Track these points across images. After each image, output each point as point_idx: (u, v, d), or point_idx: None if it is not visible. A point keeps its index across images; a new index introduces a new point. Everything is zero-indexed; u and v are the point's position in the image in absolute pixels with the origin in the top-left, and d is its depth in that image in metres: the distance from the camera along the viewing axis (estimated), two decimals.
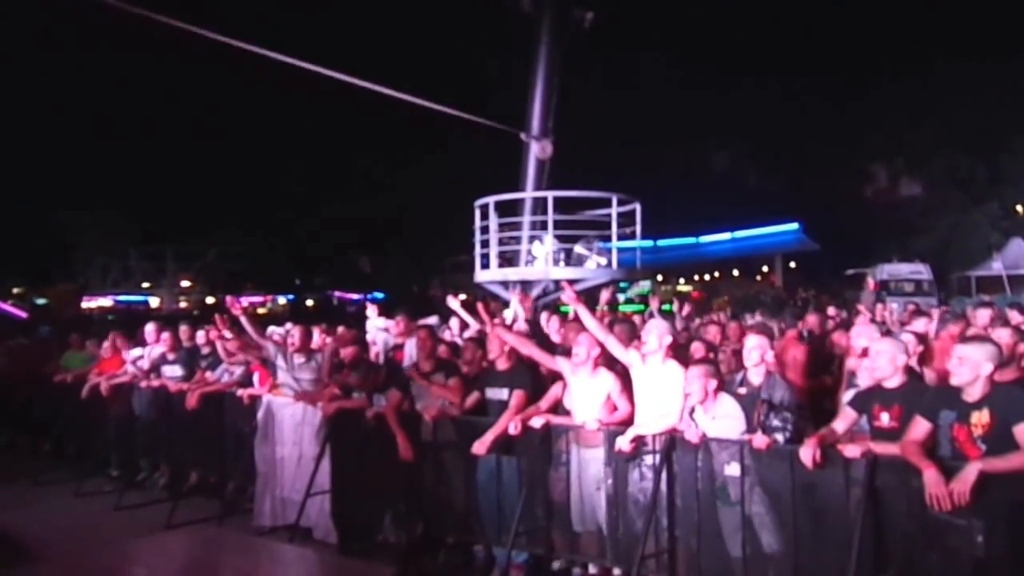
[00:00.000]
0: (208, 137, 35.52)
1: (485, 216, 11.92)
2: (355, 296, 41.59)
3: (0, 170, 27.45)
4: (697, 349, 6.54)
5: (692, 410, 5.04)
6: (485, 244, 12.00)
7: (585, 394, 5.53)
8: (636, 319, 9.41)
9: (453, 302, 9.00)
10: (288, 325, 8.96)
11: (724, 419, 4.94)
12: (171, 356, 8.64)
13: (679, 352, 5.74)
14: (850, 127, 40.92)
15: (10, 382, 10.91)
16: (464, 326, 9.01)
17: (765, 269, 48.07)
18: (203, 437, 7.86)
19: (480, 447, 5.59)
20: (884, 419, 4.53)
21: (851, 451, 4.36)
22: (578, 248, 11.58)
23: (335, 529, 6.56)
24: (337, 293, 41.05)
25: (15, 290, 29.92)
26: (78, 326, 13.29)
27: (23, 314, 22.29)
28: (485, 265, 12.09)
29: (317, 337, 8.14)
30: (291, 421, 6.91)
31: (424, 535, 6.28)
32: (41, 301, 29.38)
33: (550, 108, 12.51)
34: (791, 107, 42.35)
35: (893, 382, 4.56)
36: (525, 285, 11.55)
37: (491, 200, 11.86)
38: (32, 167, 28.61)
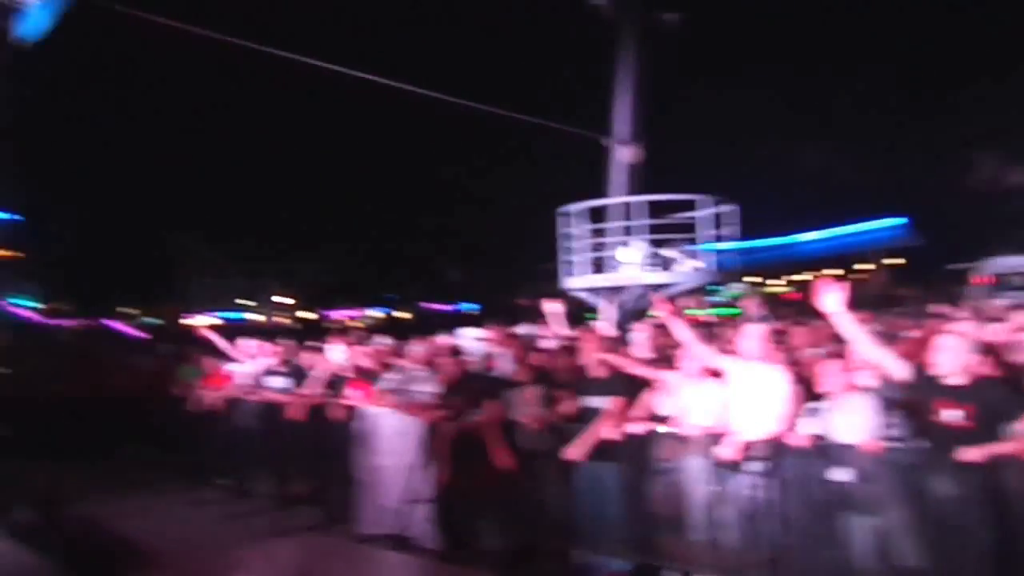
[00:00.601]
0: (301, 155, 36.69)
1: (573, 223, 11.89)
2: (445, 307, 42.13)
3: (107, 195, 29.00)
4: None
5: (817, 408, 4.87)
6: (574, 251, 11.96)
7: (696, 404, 5.44)
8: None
9: (551, 307, 8.96)
10: (382, 338, 9.16)
11: (855, 415, 4.74)
12: (279, 369, 8.94)
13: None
14: (953, 114, 38.89)
15: (134, 399, 11.54)
16: (558, 333, 8.99)
17: (866, 267, 46.14)
18: (307, 447, 8.09)
19: (575, 452, 5.57)
20: (952, 416, 4.33)
21: (973, 454, 4.13)
22: (669, 252, 11.41)
23: (436, 536, 6.64)
24: (428, 304, 41.64)
25: (131, 311, 31.61)
26: (190, 342, 13.92)
27: (145, 335, 23.52)
28: (575, 272, 12.06)
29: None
30: (392, 431, 7.03)
31: (524, 543, 6.28)
32: (156, 321, 30.93)
33: (637, 113, 12.40)
34: (888, 96, 40.59)
35: (958, 380, 4.37)
36: (615, 291, 11.46)
37: (579, 206, 11.83)
38: (132, 189, 30.13)
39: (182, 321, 27.38)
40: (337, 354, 7.86)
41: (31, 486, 8.04)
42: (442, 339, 8.49)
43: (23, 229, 11.61)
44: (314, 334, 8.37)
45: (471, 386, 6.81)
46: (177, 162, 30.81)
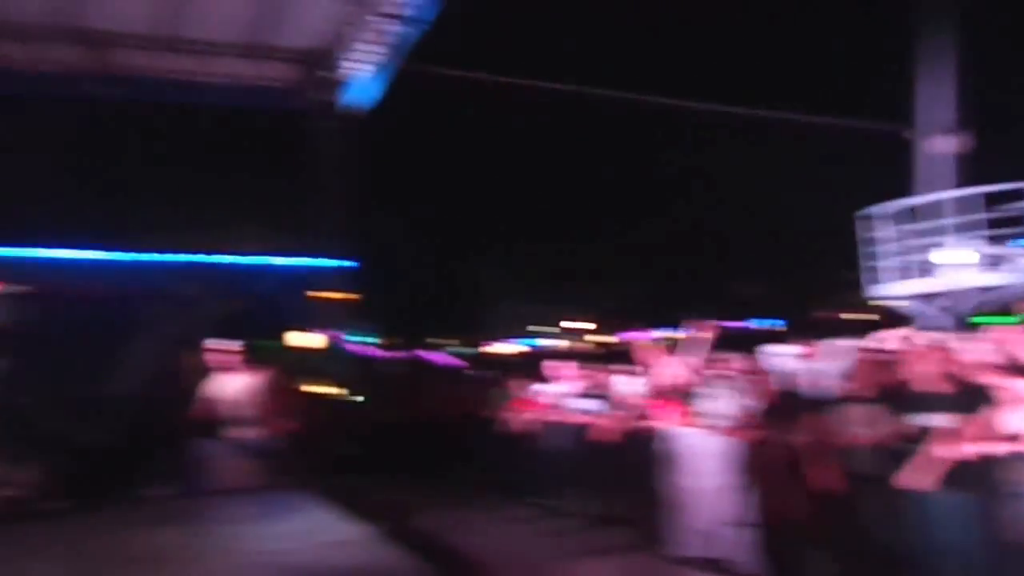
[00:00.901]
0: (591, 183, 37.72)
1: (879, 226, 10.93)
2: (739, 324, 40.65)
3: (429, 237, 32.03)
4: None
5: None
6: (882, 256, 10.97)
7: None
8: None
9: (896, 333, 8.30)
10: (686, 357, 9.07)
11: None
12: (585, 391, 9.21)
13: None
14: None
15: (453, 422, 12.62)
16: (884, 347, 8.28)
17: None
18: (618, 467, 8.19)
19: (912, 477, 5.05)
20: None
21: None
22: (1005, 249, 10.03)
23: (755, 561, 6.38)
24: (724, 322, 40.47)
25: (442, 341, 34.51)
26: (498, 368, 14.79)
27: (464, 364, 25.66)
28: (885, 279, 11.04)
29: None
30: (704, 451, 6.91)
31: (854, 572, 5.81)
32: (468, 350, 33.46)
33: (951, 98, 11.10)
34: None
35: None
36: (934, 298, 10.32)
37: (888, 207, 10.86)
38: (443, 226, 32.90)
39: (488, 349, 29.30)
40: (643, 375, 7.92)
41: (378, 499, 9.06)
42: (750, 356, 8.21)
43: (359, 273, 13.27)
44: (615, 357, 8.56)
45: (788, 404, 6.48)
46: (481, 200, 33.19)
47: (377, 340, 23.07)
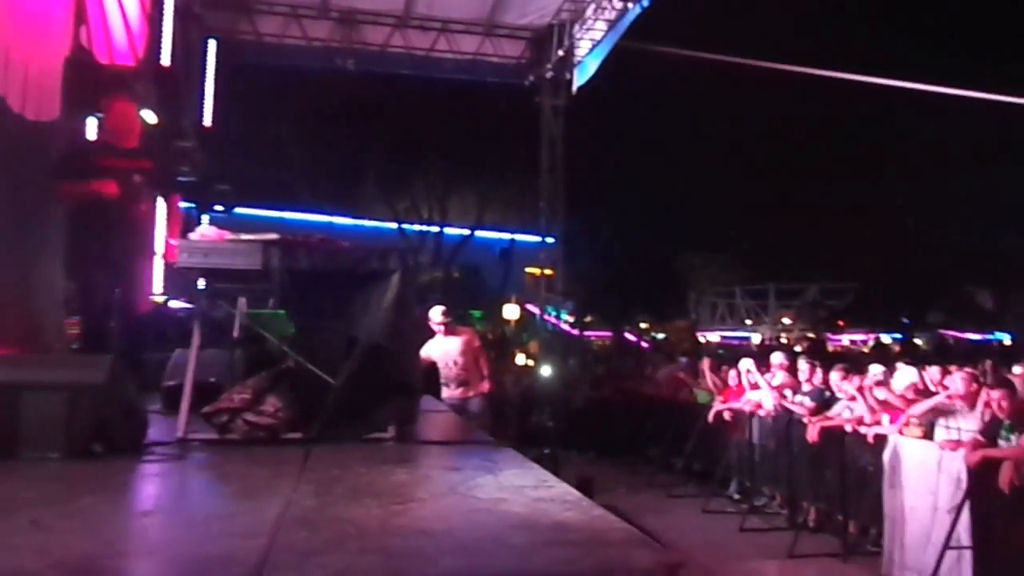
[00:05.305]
0: (805, 176, 35.61)
1: None
2: (974, 336, 36.90)
3: (633, 219, 31.82)
4: None
5: None
6: None
7: None
8: None
9: None
10: (902, 366, 8.40)
11: None
12: (802, 388, 8.84)
13: None
14: None
15: (654, 406, 12.53)
16: None
17: None
18: (823, 472, 7.81)
19: None
20: None
21: None
22: None
23: None
24: (951, 332, 36.87)
25: (642, 324, 34.36)
26: (703, 357, 14.54)
27: (648, 346, 25.63)
28: None
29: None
30: (923, 467, 6.38)
31: None
32: (660, 336, 33.22)
33: None
34: None
35: None
36: None
37: None
38: (655, 216, 32.50)
39: (693, 337, 28.99)
40: (870, 377, 7.43)
41: (571, 472, 9.19)
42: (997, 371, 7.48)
43: (565, 250, 13.39)
44: (837, 357, 8.08)
45: None
46: (690, 185, 32.37)
47: (580, 317, 23.44)
